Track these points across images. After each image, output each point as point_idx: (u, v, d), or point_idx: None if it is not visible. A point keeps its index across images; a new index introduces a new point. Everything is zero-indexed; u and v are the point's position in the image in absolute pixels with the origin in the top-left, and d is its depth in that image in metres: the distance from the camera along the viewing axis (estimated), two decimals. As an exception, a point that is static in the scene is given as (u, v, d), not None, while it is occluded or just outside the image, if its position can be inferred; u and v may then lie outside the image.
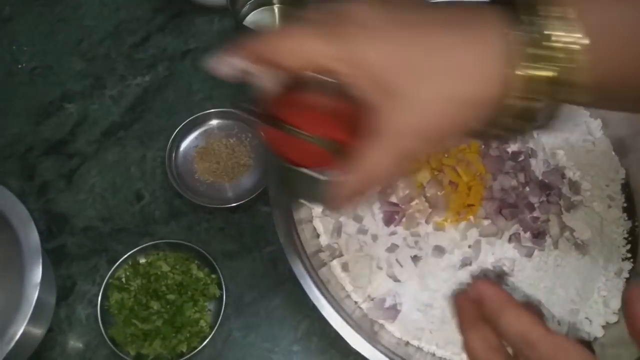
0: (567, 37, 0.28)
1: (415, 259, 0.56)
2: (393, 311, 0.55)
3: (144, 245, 0.59)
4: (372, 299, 0.56)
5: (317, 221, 0.59)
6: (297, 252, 0.51)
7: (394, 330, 0.54)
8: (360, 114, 0.31)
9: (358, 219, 0.58)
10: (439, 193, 0.57)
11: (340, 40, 0.29)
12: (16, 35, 0.76)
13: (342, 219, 0.58)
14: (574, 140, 0.63)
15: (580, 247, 0.57)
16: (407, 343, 0.54)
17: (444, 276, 0.55)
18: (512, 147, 0.61)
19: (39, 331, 0.55)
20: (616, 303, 0.55)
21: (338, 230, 0.58)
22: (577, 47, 0.28)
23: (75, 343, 0.57)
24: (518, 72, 0.28)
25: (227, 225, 0.63)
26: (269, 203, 0.53)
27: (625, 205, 0.63)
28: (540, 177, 0.60)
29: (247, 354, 0.57)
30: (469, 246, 0.56)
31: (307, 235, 0.57)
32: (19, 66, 0.73)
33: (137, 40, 0.75)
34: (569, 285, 0.55)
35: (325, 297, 0.50)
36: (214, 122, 0.68)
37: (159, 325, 0.54)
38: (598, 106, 0.46)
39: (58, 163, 0.67)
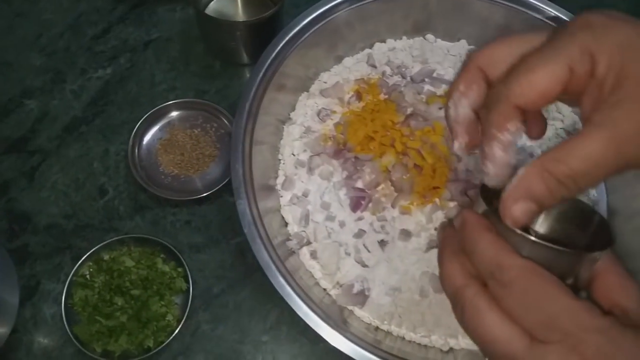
0: None
1: (382, 243, 0.56)
2: (361, 296, 0.54)
3: (109, 240, 0.58)
4: (341, 286, 0.55)
5: (285, 210, 0.58)
6: (262, 242, 0.51)
7: (363, 315, 0.54)
8: None
9: (325, 206, 0.58)
10: (404, 177, 0.56)
11: None
12: (-27, 32, 0.74)
13: (309, 207, 0.58)
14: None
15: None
16: (377, 328, 0.54)
17: (412, 259, 0.55)
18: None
19: (1, 331, 0.54)
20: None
21: (306, 218, 0.58)
22: None
23: (41, 343, 0.56)
24: None
25: (193, 218, 0.62)
26: (234, 194, 0.53)
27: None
28: (506, 157, 0.60)
29: (216, 346, 0.56)
30: (435, 229, 0.55)
31: (275, 225, 0.56)
32: (-23, 64, 0.72)
33: (97, 32, 0.74)
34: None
35: (291, 286, 0.49)
36: (178, 113, 0.67)
37: (123, 321, 0.53)
38: None
39: (19, 161, 0.65)
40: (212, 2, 0.71)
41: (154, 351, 0.54)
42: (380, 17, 0.65)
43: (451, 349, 0.53)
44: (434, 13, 0.66)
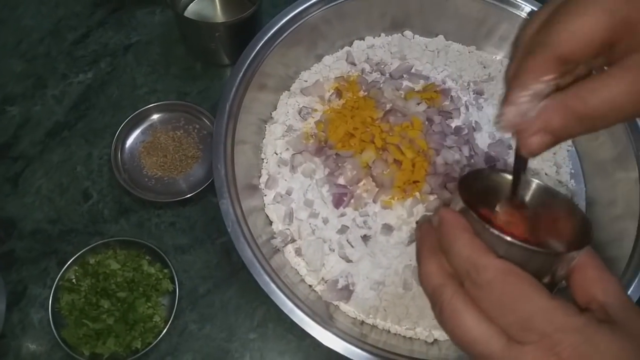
0: None
1: (365, 238, 0.56)
2: (346, 292, 0.55)
3: (94, 244, 0.59)
4: (326, 281, 0.56)
5: (269, 208, 0.59)
6: (246, 241, 0.51)
7: (348, 310, 0.55)
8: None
9: (309, 203, 0.58)
10: (384, 172, 0.57)
11: None
12: (-48, 40, 0.74)
13: (293, 204, 0.58)
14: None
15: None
16: (363, 322, 0.55)
17: (394, 253, 0.56)
18: (456, 122, 0.61)
19: (-12, 338, 0.54)
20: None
21: (290, 216, 0.58)
22: None
23: (29, 347, 0.56)
24: None
25: (178, 219, 0.63)
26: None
27: (572, 171, 0.64)
28: (485, 150, 0.61)
29: (203, 345, 0.57)
30: (417, 222, 0.56)
31: (259, 223, 0.57)
32: (-43, 72, 0.72)
33: (77, 37, 0.74)
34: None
35: (276, 283, 0.50)
36: (159, 115, 0.67)
37: (110, 323, 0.54)
38: None
39: (2, 167, 0.65)
40: (191, 4, 0.72)
41: (142, 352, 0.54)
42: (358, 15, 0.65)
43: (436, 341, 0.54)
44: (412, 10, 0.67)
